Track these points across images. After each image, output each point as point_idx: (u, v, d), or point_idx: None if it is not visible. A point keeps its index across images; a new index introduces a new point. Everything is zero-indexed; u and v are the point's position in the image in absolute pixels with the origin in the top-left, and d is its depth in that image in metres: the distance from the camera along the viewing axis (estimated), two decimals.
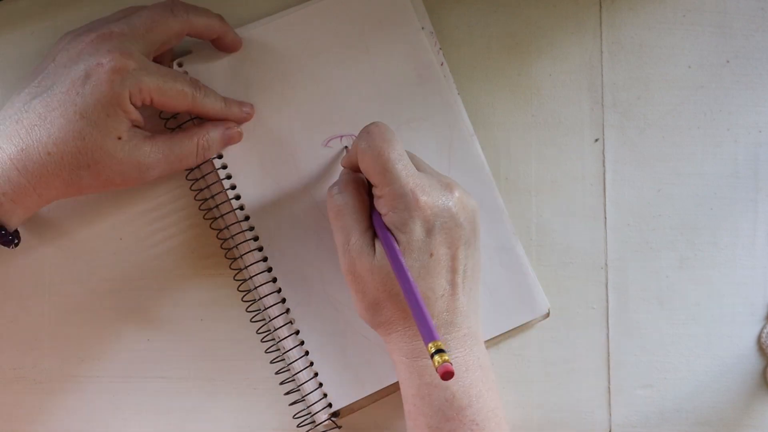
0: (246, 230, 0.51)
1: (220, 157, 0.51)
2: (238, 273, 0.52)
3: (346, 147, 0.52)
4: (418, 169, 0.46)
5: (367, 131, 0.46)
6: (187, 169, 0.51)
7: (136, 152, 0.46)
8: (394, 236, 0.45)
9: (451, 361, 0.38)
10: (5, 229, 0.46)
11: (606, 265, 0.55)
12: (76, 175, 0.45)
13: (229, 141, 0.51)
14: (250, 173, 0.52)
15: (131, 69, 0.45)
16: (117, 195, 0.53)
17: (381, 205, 0.46)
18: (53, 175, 0.45)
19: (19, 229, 0.48)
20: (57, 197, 0.47)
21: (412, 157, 0.48)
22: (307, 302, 0.52)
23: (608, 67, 0.55)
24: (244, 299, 0.52)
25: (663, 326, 0.54)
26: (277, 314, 0.52)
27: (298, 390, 0.52)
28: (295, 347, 0.52)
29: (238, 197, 0.51)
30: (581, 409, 0.54)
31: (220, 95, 0.50)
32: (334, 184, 0.48)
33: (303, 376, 0.52)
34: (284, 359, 0.52)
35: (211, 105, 0.49)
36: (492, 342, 0.53)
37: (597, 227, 0.55)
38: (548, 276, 0.54)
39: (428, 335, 0.39)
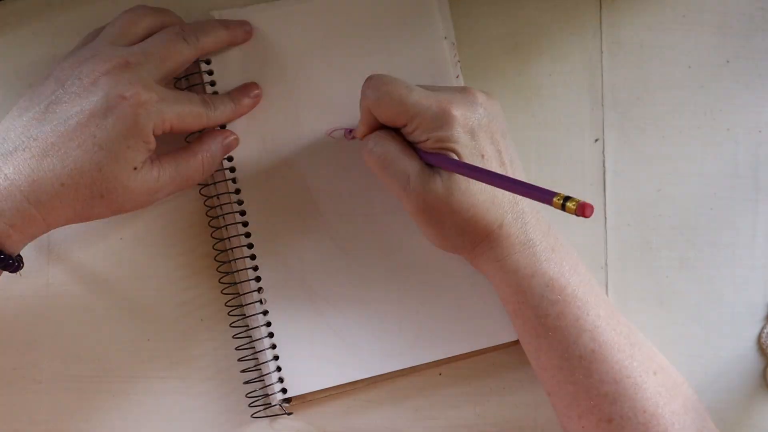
0: (235, 202, 0.51)
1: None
2: (221, 251, 0.52)
3: (341, 129, 0.52)
4: (430, 90, 0.47)
5: (367, 85, 0.47)
6: None
7: (147, 180, 0.46)
8: (446, 154, 0.45)
9: (574, 207, 0.37)
10: (11, 258, 0.45)
11: (606, 265, 0.55)
12: (88, 205, 0.45)
13: (228, 150, 0.51)
14: (249, 149, 0.51)
15: (154, 102, 0.45)
16: None
17: (418, 135, 0.46)
18: (65, 205, 0.45)
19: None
20: (63, 224, 0.46)
21: (419, 85, 0.48)
22: (283, 286, 0.52)
23: (608, 67, 0.55)
24: (221, 280, 0.52)
25: (663, 326, 0.54)
26: (250, 290, 0.52)
27: (258, 369, 0.52)
28: (261, 325, 0.52)
29: (233, 169, 0.51)
30: None
31: (227, 97, 0.50)
32: (365, 141, 0.48)
33: (263, 356, 0.52)
34: (249, 337, 0.52)
35: (223, 115, 0.50)
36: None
37: (597, 227, 0.55)
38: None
39: (547, 194, 0.39)
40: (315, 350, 0.52)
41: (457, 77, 0.53)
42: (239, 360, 0.52)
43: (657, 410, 0.46)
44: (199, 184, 0.52)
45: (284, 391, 0.52)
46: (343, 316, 0.52)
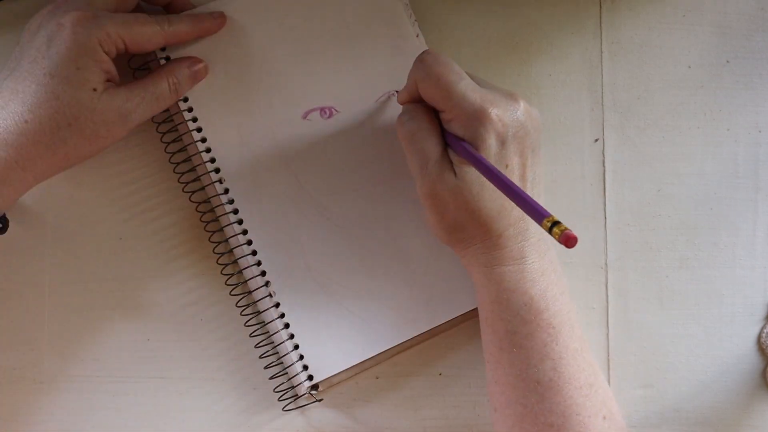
0: (226, 203, 0.51)
1: (199, 130, 0.51)
2: (217, 246, 0.52)
3: (396, 92, 0.52)
4: (478, 84, 0.47)
5: (420, 60, 0.46)
6: (168, 149, 0.52)
7: (115, 100, 0.46)
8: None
9: (558, 234, 0.37)
10: None
11: (606, 265, 0.55)
12: (58, 137, 0.45)
13: (196, 76, 0.51)
14: (229, 148, 0.52)
15: (90, 18, 0.45)
16: (116, 195, 0.53)
17: (453, 127, 0.46)
18: (34, 141, 0.44)
19: (9, 219, 0.47)
20: (46, 172, 0.46)
21: (471, 75, 0.47)
22: (288, 275, 0.52)
23: (608, 67, 0.55)
24: (228, 282, 0.52)
25: (663, 326, 0.54)
26: (258, 286, 0.52)
27: (280, 363, 0.52)
28: (276, 319, 0.52)
29: (217, 170, 0.51)
30: None
31: (186, 15, 0.50)
32: (402, 112, 0.48)
33: (284, 348, 0.52)
34: (267, 332, 0.52)
35: (184, 29, 0.49)
36: None
37: (597, 227, 0.55)
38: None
39: (540, 214, 0.39)
40: (332, 332, 0.52)
41: (418, 36, 0.53)
42: (261, 357, 0.52)
43: None
44: (185, 191, 0.52)
45: (311, 377, 0.52)
46: (352, 292, 0.52)
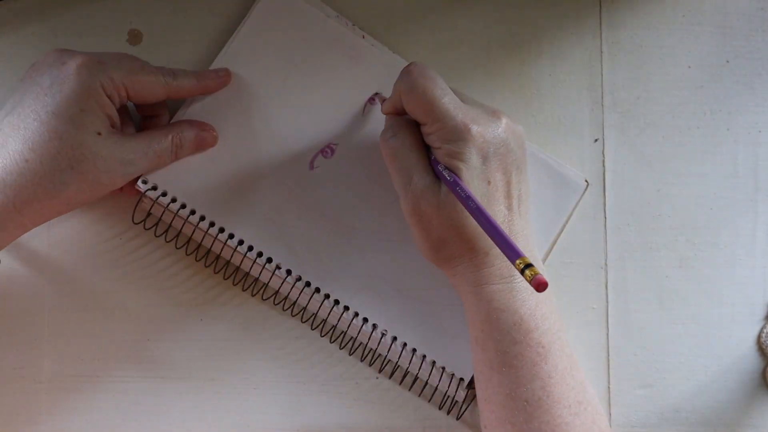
0: (275, 270, 0.51)
1: (219, 229, 0.51)
2: (311, 318, 0.53)
3: (376, 94, 0.52)
4: (462, 101, 0.46)
5: (406, 72, 0.46)
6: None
7: (118, 147, 0.46)
8: (453, 171, 0.45)
9: (530, 277, 0.38)
10: None
11: (606, 265, 0.55)
12: (59, 180, 0.44)
13: (202, 143, 0.50)
14: (254, 225, 0.51)
15: (96, 62, 0.45)
16: (116, 196, 0.53)
17: (433, 141, 0.46)
18: (34, 184, 0.43)
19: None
20: (43, 216, 0.45)
21: (455, 91, 0.47)
22: (389, 310, 0.52)
23: (608, 67, 0.55)
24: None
25: (663, 326, 0.54)
26: (369, 335, 0.51)
27: (428, 385, 0.53)
28: (401, 352, 0.51)
29: (241, 242, 0.51)
30: None
31: (190, 71, 0.50)
32: (386, 129, 0.48)
33: (424, 372, 0.52)
34: (398, 368, 0.53)
35: (186, 84, 0.49)
36: None
37: (597, 227, 0.55)
38: (548, 276, 0.54)
39: (514, 254, 0.39)
40: (450, 331, 0.52)
41: (364, 37, 0.53)
42: (410, 389, 0.53)
43: None
44: (206, 266, 0.52)
45: (462, 379, 0.52)
46: (428, 289, 0.52)
